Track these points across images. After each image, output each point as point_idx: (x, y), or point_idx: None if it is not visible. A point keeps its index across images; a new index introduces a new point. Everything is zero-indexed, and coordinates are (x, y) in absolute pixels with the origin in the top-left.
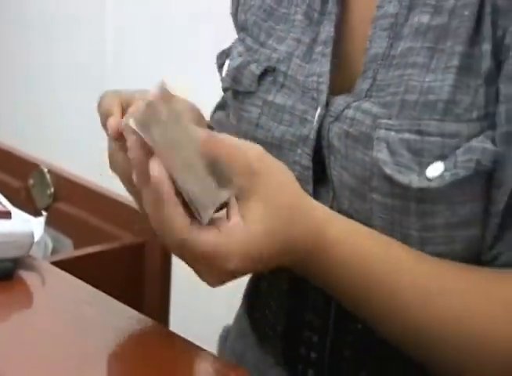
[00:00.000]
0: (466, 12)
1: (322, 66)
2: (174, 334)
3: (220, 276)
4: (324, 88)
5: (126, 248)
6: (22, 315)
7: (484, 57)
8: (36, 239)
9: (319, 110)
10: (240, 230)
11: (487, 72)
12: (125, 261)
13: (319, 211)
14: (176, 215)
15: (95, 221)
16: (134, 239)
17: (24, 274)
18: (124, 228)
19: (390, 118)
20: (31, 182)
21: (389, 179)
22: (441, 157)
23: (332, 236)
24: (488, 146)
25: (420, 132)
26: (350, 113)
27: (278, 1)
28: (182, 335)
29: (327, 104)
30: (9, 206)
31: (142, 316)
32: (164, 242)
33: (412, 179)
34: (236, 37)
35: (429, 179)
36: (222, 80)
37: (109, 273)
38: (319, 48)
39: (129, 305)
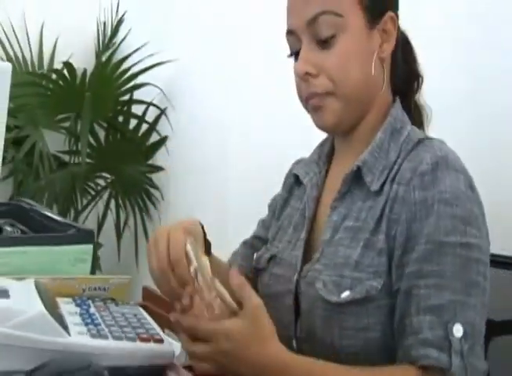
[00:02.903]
0: (370, 220)
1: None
2: None
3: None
4: (299, 262)
5: None
6: None
7: (379, 241)
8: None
9: (296, 275)
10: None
11: (379, 249)
12: None
13: (284, 349)
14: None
15: None
16: None
17: None
18: None
19: (327, 270)
20: None
21: (321, 298)
22: (350, 288)
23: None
24: (374, 283)
25: (341, 276)
26: (310, 271)
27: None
28: None
29: (301, 270)
30: (161, 334)
31: None
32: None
33: (333, 298)
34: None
35: (341, 297)
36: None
37: None
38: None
39: None
